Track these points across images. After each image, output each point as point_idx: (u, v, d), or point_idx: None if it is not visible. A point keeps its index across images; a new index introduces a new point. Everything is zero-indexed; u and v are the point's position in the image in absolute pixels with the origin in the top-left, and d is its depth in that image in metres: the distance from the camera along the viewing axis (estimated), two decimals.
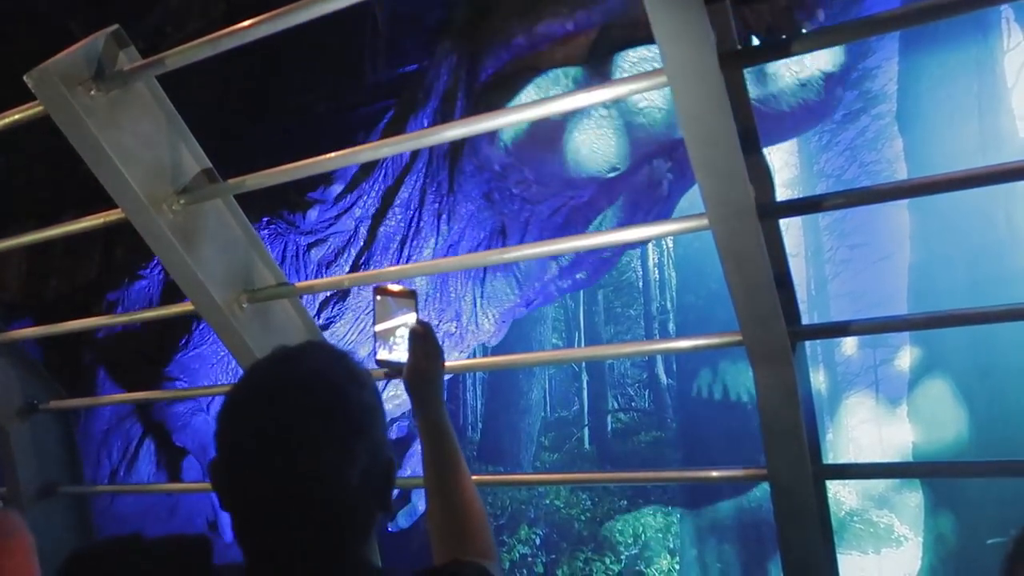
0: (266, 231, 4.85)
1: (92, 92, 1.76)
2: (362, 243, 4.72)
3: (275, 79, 6.00)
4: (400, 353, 1.33)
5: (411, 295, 1.35)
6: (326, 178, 4.91)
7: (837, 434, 23.91)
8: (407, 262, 4.55)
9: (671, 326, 15.03)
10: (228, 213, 2.15)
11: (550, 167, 3.81)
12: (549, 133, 3.67)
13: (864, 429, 24.48)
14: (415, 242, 4.63)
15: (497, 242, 4.56)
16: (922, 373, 15.24)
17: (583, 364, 14.74)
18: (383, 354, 1.35)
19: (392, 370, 1.36)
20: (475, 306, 4.75)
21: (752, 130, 1.63)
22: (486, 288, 4.72)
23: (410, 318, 1.34)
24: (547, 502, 11.54)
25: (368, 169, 4.71)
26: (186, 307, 2.18)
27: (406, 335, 1.32)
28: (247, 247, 2.20)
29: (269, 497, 0.90)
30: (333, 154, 1.80)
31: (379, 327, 1.35)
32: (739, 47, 1.49)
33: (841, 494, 16.57)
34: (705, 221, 1.64)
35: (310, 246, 4.81)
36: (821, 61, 3.78)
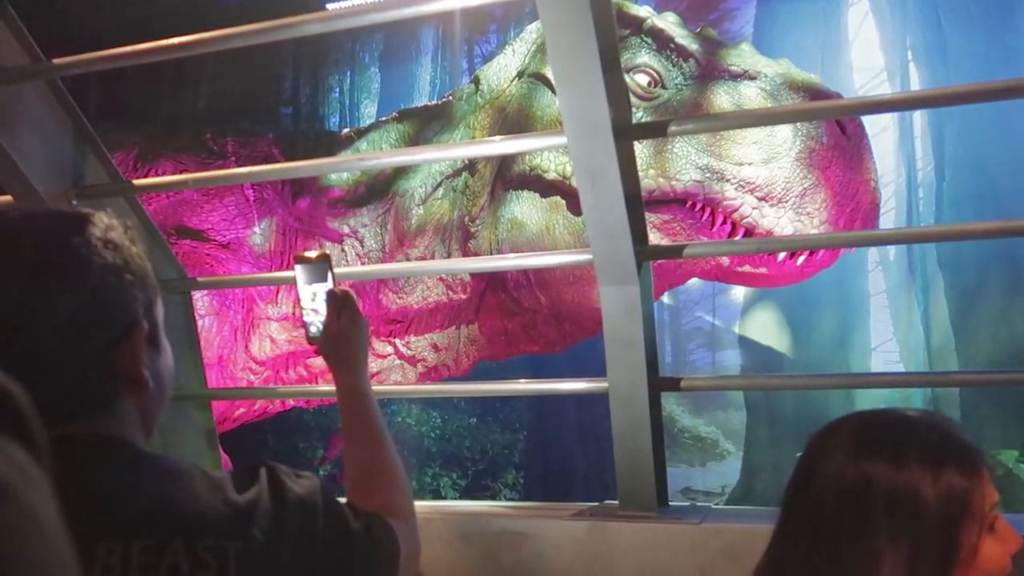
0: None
1: None
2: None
3: None
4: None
5: (324, 259, 1.24)
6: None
7: (676, 357, 25.55)
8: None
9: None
10: (55, 100, 1.96)
11: None
12: None
13: (700, 353, 26.31)
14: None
15: None
16: (753, 302, 16.49)
17: None
18: (313, 330, 1.23)
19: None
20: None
21: (613, 49, 1.65)
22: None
23: (325, 285, 1.23)
24: (399, 420, 11.67)
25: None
26: (3, 199, 1.98)
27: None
28: (77, 139, 2.02)
29: None
30: (178, 39, 1.67)
31: (303, 302, 1.24)
32: None
33: (675, 413, 17.82)
34: (563, 139, 1.66)
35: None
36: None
